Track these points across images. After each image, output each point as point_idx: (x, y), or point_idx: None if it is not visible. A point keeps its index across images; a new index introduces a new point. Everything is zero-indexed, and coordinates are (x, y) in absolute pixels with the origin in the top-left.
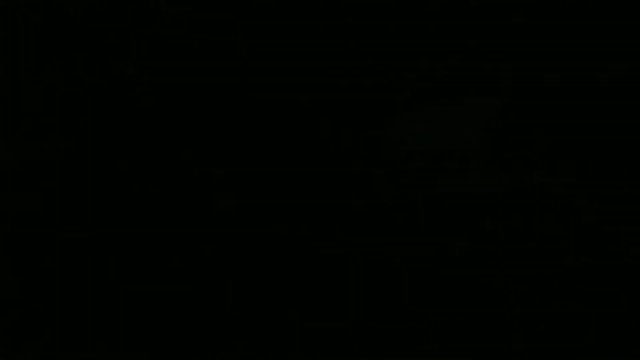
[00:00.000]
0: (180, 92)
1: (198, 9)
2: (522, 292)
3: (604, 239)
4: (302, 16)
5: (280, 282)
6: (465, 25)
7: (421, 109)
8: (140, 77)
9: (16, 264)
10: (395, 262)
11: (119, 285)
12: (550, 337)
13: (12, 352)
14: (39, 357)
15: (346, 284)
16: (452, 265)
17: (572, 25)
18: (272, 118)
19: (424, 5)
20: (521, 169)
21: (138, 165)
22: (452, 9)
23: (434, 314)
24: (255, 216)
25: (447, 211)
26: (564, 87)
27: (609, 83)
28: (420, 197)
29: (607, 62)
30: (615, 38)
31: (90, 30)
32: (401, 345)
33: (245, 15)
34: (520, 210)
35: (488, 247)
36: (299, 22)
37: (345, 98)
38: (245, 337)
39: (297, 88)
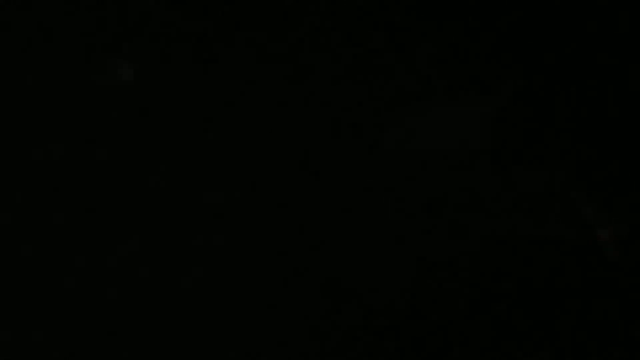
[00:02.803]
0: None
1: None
2: (522, 295)
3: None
4: (300, 14)
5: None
6: (466, 24)
7: (421, 109)
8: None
9: None
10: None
11: None
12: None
13: None
14: None
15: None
16: (456, 270)
17: (571, 24)
18: (271, 119)
19: (424, 4)
20: (521, 169)
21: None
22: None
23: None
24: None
25: (448, 211)
26: (565, 88)
27: (610, 83)
28: (421, 198)
29: (607, 63)
30: (615, 38)
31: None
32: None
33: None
34: (521, 211)
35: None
36: (298, 20)
37: (344, 98)
38: None
39: (296, 87)
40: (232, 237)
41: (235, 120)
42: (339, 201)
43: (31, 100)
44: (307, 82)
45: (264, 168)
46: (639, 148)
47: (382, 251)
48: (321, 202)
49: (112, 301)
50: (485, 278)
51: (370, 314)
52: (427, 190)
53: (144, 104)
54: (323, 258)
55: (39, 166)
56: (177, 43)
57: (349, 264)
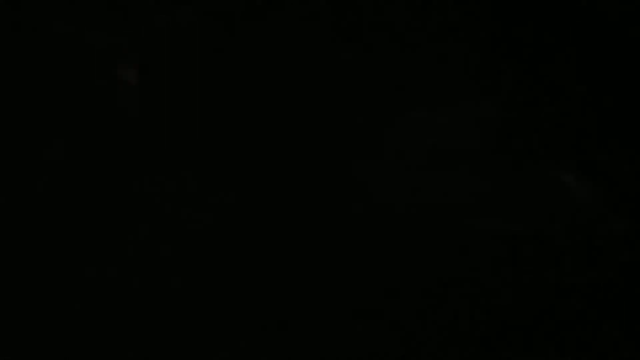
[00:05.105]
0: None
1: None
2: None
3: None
4: (304, 15)
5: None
6: (464, 27)
7: (422, 110)
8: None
9: None
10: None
11: None
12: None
13: None
14: None
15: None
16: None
17: (570, 26)
18: (274, 119)
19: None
20: (522, 169)
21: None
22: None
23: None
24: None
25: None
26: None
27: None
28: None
29: (606, 63)
30: (614, 39)
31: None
32: None
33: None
34: (521, 211)
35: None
36: (301, 23)
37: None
38: None
39: (300, 89)
40: (236, 237)
41: (241, 122)
42: (338, 200)
43: (33, 103)
44: (311, 84)
45: (267, 168)
46: (638, 147)
47: (381, 251)
48: (321, 201)
49: (114, 300)
50: (486, 278)
51: (370, 312)
52: (427, 190)
53: (148, 107)
54: (323, 258)
55: (42, 168)
56: (181, 45)
57: (348, 262)
